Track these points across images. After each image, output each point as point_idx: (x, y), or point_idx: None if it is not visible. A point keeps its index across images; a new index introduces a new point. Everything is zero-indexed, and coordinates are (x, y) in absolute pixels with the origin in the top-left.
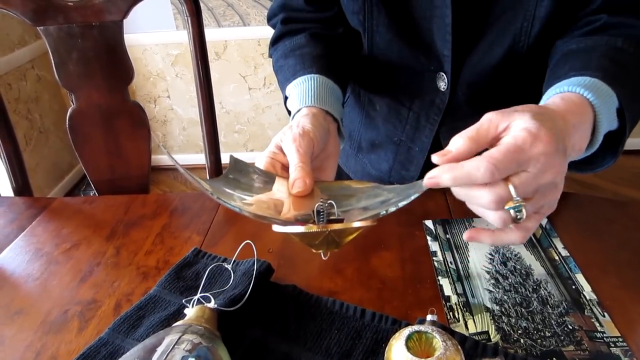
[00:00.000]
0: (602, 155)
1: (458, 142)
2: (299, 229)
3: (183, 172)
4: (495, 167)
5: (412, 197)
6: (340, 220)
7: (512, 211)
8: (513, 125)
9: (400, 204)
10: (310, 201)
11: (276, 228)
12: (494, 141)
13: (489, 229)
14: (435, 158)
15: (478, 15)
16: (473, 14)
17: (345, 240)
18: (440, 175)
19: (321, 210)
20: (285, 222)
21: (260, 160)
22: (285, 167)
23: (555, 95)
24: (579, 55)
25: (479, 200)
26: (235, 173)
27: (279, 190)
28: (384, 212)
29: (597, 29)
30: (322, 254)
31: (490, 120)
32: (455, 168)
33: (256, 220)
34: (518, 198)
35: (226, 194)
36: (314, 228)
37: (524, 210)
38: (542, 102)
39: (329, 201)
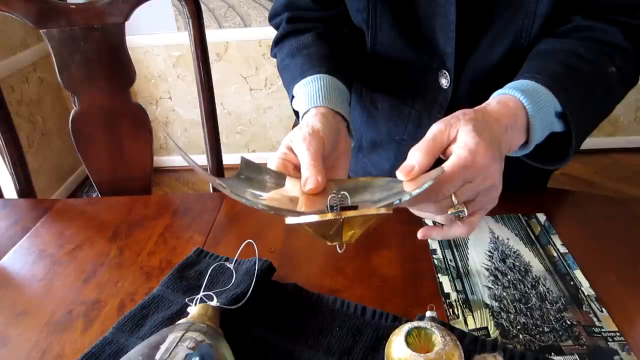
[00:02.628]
0: (556, 155)
1: (417, 156)
2: (313, 218)
3: (196, 167)
4: (445, 188)
5: (426, 185)
6: (354, 208)
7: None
8: (458, 137)
9: (414, 193)
10: (323, 199)
11: (289, 220)
12: (445, 150)
13: (439, 226)
14: (400, 175)
15: (481, 12)
16: (476, 11)
17: (361, 231)
18: (404, 204)
19: (334, 203)
20: (299, 213)
21: (271, 161)
22: (297, 168)
23: (495, 97)
24: (541, 57)
25: (428, 209)
26: (246, 174)
27: (292, 190)
28: (398, 201)
29: (569, 30)
30: (337, 246)
31: (441, 132)
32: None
33: (270, 213)
34: (459, 206)
35: (239, 189)
36: (328, 216)
37: (465, 210)
38: (486, 101)
39: (342, 193)
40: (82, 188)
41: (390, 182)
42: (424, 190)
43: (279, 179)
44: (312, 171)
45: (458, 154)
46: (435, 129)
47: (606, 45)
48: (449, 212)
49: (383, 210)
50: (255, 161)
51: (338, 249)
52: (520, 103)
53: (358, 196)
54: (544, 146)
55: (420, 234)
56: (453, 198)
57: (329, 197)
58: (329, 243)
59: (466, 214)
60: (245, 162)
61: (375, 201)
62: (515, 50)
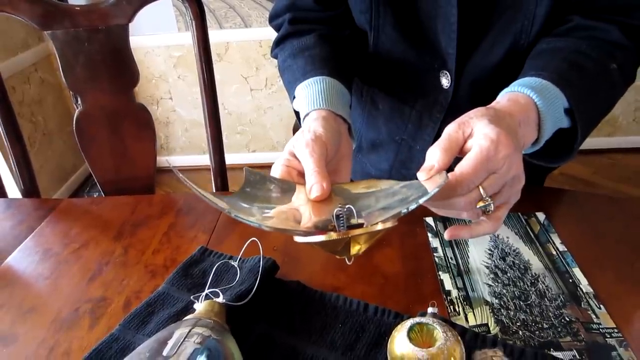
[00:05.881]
0: (560, 152)
1: (436, 155)
2: (321, 238)
3: (198, 191)
4: (470, 180)
5: (432, 193)
6: (361, 225)
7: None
8: (476, 131)
9: (421, 201)
10: (329, 205)
11: (298, 239)
12: (462, 148)
13: (466, 225)
14: (421, 175)
15: (481, 13)
16: (477, 12)
17: (368, 244)
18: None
19: (340, 215)
20: (306, 233)
21: (275, 168)
22: (301, 174)
23: (504, 95)
24: (544, 56)
25: (456, 205)
26: (251, 185)
27: (297, 197)
28: (405, 210)
29: (569, 29)
30: (345, 259)
31: (455, 130)
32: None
33: (277, 232)
34: (488, 198)
35: (244, 209)
36: (334, 236)
37: (492, 204)
38: (495, 100)
39: (347, 206)
40: (84, 188)
41: (394, 187)
42: (434, 195)
43: (284, 186)
44: (317, 178)
45: (480, 144)
46: (450, 128)
47: (606, 43)
48: (478, 206)
49: (389, 224)
50: (257, 161)
51: (347, 262)
52: (530, 99)
53: (362, 202)
54: (547, 144)
55: (447, 234)
56: (481, 190)
57: (335, 211)
58: (337, 257)
59: (492, 208)
60: (249, 172)
61: (380, 209)
62: (515, 50)
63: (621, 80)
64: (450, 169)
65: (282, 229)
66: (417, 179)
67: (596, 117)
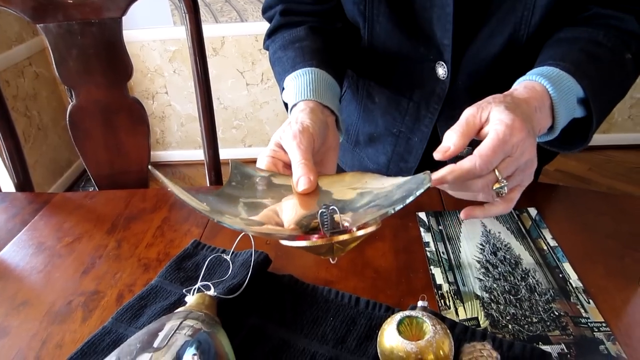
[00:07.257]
0: (575, 139)
1: (453, 137)
2: (304, 243)
3: (181, 196)
4: (489, 162)
5: (418, 193)
6: (345, 230)
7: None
8: (491, 117)
9: (407, 201)
10: (315, 198)
11: (283, 242)
12: (478, 132)
13: (480, 205)
14: (437, 155)
15: (479, 4)
16: (474, 2)
17: (352, 246)
18: (445, 177)
19: (325, 214)
20: (290, 237)
21: (261, 159)
22: (287, 165)
23: (521, 83)
24: (561, 45)
25: (473, 187)
26: (237, 179)
27: (284, 189)
28: (392, 210)
29: (586, 18)
30: (330, 259)
31: (473, 115)
32: (456, 169)
33: (261, 237)
34: (503, 180)
35: (230, 207)
36: (318, 242)
37: (506, 187)
38: (512, 87)
39: (331, 207)
40: (79, 183)
41: (380, 183)
42: (419, 195)
43: (270, 178)
44: (304, 170)
45: (496, 129)
46: (467, 112)
47: (623, 32)
48: (493, 188)
49: (372, 228)
50: (253, 155)
51: (331, 261)
52: (545, 88)
53: (347, 199)
54: (562, 132)
55: (463, 215)
56: (497, 173)
57: (320, 211)
58: (322, 257)
59: (506, 190)
60: (235, 165)
61: (365, 207)
62: (514, 41)
63: (635, 70)
64: (458, 158)
65: (266, 233)
66: (413, 174)
67: (610, 106)
